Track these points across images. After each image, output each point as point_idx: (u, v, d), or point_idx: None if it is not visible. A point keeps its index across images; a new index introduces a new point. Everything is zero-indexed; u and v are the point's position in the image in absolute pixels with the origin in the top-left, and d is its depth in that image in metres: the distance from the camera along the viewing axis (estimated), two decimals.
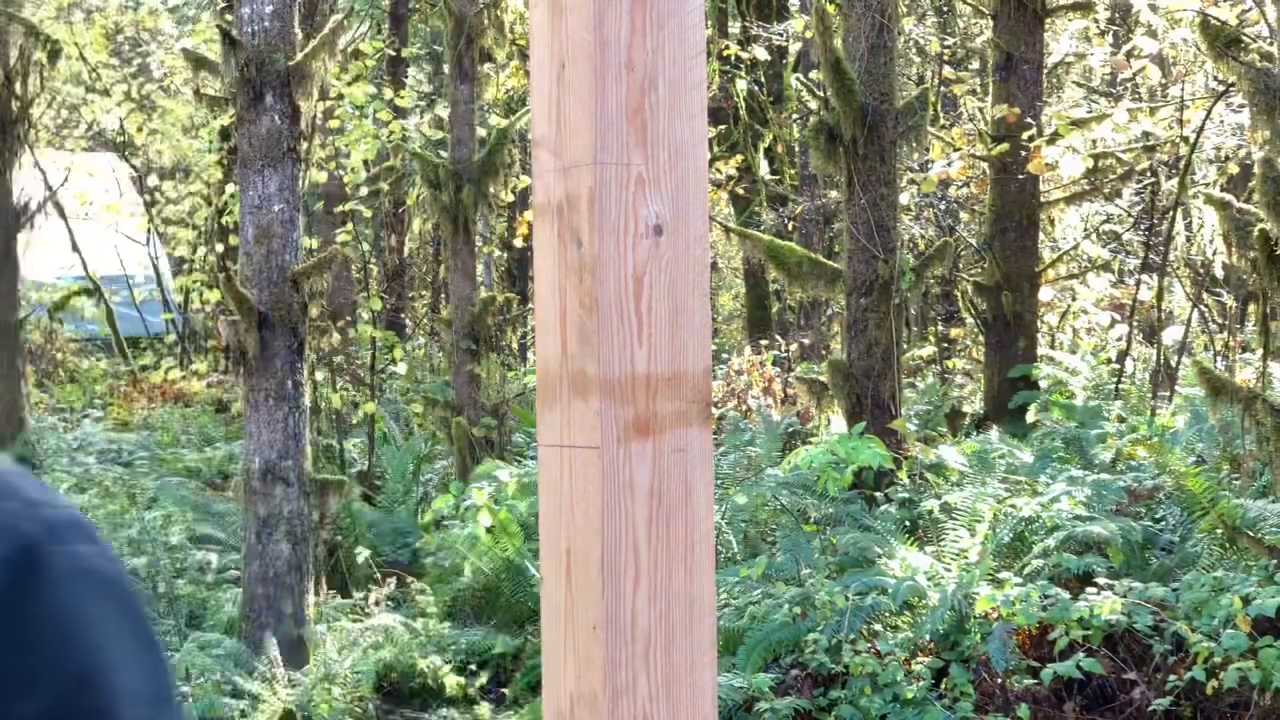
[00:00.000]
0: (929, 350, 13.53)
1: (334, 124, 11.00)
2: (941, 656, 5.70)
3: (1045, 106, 9.90)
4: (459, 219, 10.35)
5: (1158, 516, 6.71)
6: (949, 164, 9.60)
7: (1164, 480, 6.81)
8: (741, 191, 13.61)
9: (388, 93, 11.47)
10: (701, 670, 1.65)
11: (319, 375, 11.31)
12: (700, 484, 1.64)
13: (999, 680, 5.50)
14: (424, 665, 6.51)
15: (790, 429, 9.49)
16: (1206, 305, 11.54)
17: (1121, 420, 8.47)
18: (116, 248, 16.80)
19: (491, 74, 12.78)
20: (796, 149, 14.95)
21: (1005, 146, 9.28)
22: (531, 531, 7.18)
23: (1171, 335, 10.97)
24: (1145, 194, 10.94)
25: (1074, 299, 11.61)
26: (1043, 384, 9.37)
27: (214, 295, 11.83)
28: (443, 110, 12.30)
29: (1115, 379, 9.83)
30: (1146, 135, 10.12)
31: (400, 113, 12.07)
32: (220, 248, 12.77)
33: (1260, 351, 7.88)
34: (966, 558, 6.27)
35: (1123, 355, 10.36)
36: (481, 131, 11.78)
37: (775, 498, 7.42)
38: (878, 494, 7.36)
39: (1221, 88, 8.98)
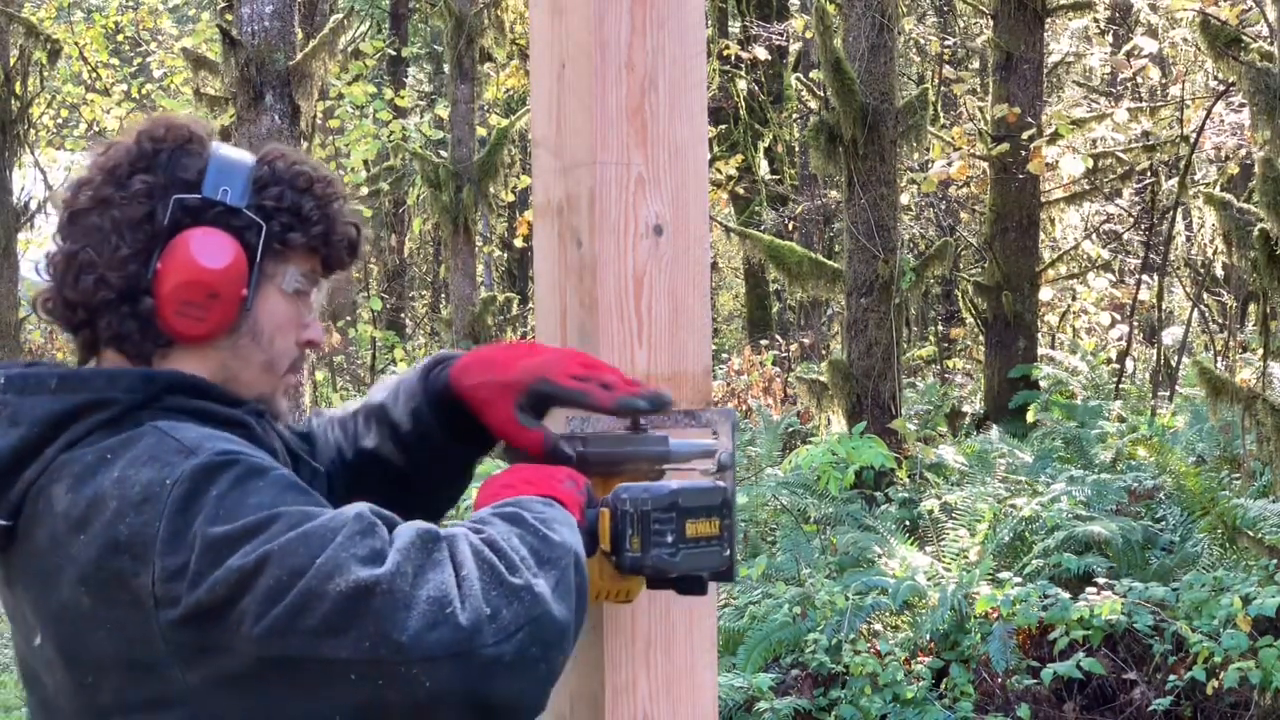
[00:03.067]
0: (929, 350, 13.52)
1: (334, 124, 11.00)
2: (941, 656, 5.70)
3: (1045, 106, 9.90)
4: (459, 219, 10.35)
5: (1158, 516, 6.70)
6: (949, 164, 9.59)
7: (1164, 480, 6.80)
8: (741, 191, 13.60)
9: (388, 93, 11.47)
10: (701, 670, 1.65)
11: (319, 375, 11.31)
12: None
13: (999, 680, 5.50)
14: None
15: (790, 429, 9.48)
16: (1206, 305, 11.54)
17: (1121, 420, 8.46)
18: None
19: (491, 74, 12.77)
20: (796, 149, 14.94)
21: (1005, 146, 9.27)
22: None
23: (1171, 335, 10.97)
24: (1145, 194, 10.94)
25: (1074, 299, 11.61)
26: (1043, 384, 9.36)
27: None
28: (443, 110, 12.30)
29: (1115, 379, 9.82)
30: (1146, 135, 10.11)
31: (400, 113, 12.07)
32: None
33: (1260, 351, 7.87)
34: (966, 557, 6.27)
35: (1123, 355, 10.35)
36: (481, 131, 11.77)
37: (775, 498, 7.42)
38: (878, 494, 7.35)
39: (1221, 88, 8.98)
